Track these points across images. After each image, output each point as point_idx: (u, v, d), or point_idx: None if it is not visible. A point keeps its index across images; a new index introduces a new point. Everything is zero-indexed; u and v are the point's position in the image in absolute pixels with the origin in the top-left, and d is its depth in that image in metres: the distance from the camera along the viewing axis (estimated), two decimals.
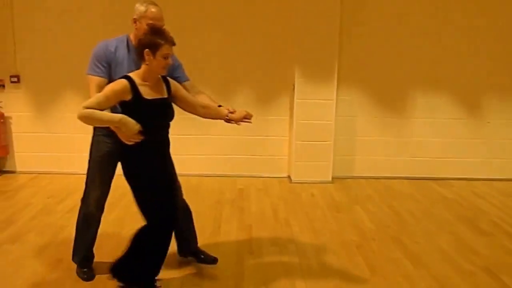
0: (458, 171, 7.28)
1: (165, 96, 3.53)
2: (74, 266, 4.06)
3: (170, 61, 3.38)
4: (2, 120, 6.92)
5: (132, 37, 3.69)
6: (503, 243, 4.90)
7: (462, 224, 5.42)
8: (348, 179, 7.17)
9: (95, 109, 3.20)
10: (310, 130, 6.84)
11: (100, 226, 4.00)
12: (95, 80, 3.59)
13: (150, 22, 3.55)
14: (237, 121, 3.79)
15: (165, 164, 3.69)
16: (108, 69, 3.63)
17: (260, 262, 4.38)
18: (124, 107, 3.35)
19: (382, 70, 7.03)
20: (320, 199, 6.24)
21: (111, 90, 3.29)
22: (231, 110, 3.81)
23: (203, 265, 4.20)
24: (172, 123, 6.68)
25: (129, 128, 3.26)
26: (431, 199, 6.33)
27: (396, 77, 7.07)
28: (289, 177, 7.18)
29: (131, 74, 3.39)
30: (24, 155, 7.18)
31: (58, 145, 7.04)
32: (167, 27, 6.04)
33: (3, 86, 6.91)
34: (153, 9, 3.60)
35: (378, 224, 5.37)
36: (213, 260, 4.17)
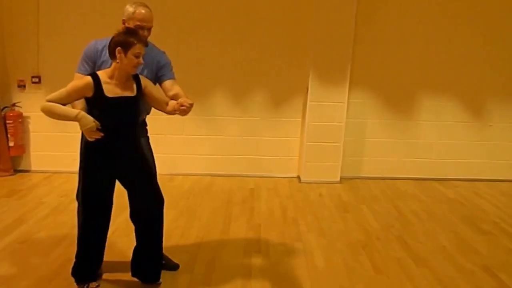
0: (462, 172, 7.40)
1: (133, 94, 3.53)
2: None
3: (141, 60, 3.41)
4: (20, 120, 6.96)
5: None
6: (503, 243, 4.99)
7: (463, 224, 5.50)
8: (356, 180, 7.24)
9: (57, 103, 3.33)
10: (321, 132, 6.92)
11: (110, 227, 3.89)
12: (78, 77, 3.64)
13: (138, 23, 3.61)
14: (177, 110, 3.60)
15: (113, 166, 3.65)
16: (93, 67, 3.70)
17: (268, 261, 4.40)
18: (87, 103, 3.45)
19: (391, 74, 7.10)
20: (328, 199, 6.30)
21: (73, 86, 3.40)
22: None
23: (211, 264, 4.30)
24: (186, 124, 6.76)
25: (84, 124, 3.35)
26: (434, 200, 6.39)
27: (404, 81, 7.14)
28: (298, 177, 7.26)
29: (99, 72, 3.47)
30: (40, 154, 7.15)
31: (73, 144, 6.66)
32: (184, 29, 6.13)
33: (24, 86, 6.96)
34: (142, 11, 3.64)
35: (383, 224, 5.43)
36: (174, 267, 4.18)
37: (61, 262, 4.22)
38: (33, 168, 7.21)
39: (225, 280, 4.03)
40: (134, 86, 3.56)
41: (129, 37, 3.35)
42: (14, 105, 7.01)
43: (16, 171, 7.15)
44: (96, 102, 3.42)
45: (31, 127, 7.14)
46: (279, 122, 7.23)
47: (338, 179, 7.11)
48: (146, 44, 3.46)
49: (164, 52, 4.00)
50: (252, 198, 6.28)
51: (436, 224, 5.50)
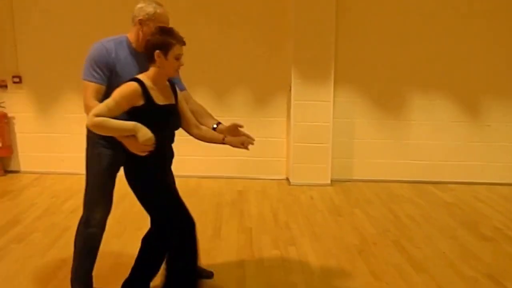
0: (459, 175, 7.16)
1: (173, 102, 3.34)
2: None
3: (182, 62, 3.18)
4: (5, 120, 6.93)
5: (132, 39, 3.34)
6: (506, 249, 4.81)
7: (463, 229, 5.33)
8: (347, 182, 7.09)
9: (106, 116, 2.97)
10: (307, 132, 6.78)
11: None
12: (93, 86, 3.20)
13: (159, 25, 3.21)
14: (234, 146, 3.59)
15: (168, 174, 3.63)
16: (109, 75, 3.25)
17: (262, 266, 4.32)
18: (132, 114, 3.10)
19: (380, 71, 6.95)
20: (320, 202, 6.17)
21: (121, 95, 3.04)
22: (225, 134, 3.60)
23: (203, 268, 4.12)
24: None
25: (144, 134, 3.01)
26: (431, 203, 6.23)
27: (394, 78, 6.98)
28: (287, 179, 7.12)
29: (140, 77, 3.14)
30: (28, 155, 7.21)
31: (60, 145, 7.06)
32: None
33: (6, 86, 6.91)
34: (162, 11, 3.31)
35: (378, 228, 5.29)
36: (208, 275, 4.03)
37: (56, 264, 4.23)
38: (22, 169, 7.24)
39: (220, 286, 3.97)
40: (171, 93, 3.36)
41: (166, 38, 3.09)
42: None
43: (7, 171, 7.20)
44: (147, 111, 3.13)
45: (16, 128, 7.12)
46: (264, 122, 7.10)
47: (329, 181, 6.95)
48: (184, 43, 3.18)
49: None
50: (241, 201, 6.20)
51: (434, 229, 5.33)
